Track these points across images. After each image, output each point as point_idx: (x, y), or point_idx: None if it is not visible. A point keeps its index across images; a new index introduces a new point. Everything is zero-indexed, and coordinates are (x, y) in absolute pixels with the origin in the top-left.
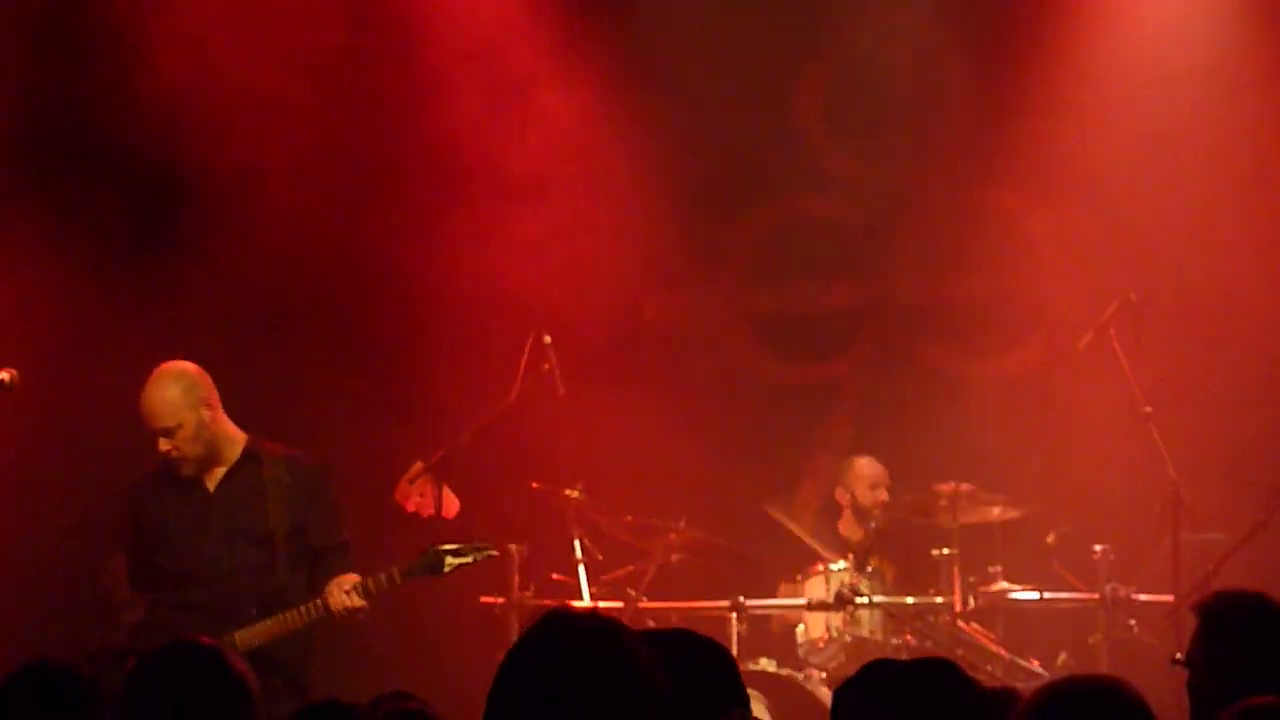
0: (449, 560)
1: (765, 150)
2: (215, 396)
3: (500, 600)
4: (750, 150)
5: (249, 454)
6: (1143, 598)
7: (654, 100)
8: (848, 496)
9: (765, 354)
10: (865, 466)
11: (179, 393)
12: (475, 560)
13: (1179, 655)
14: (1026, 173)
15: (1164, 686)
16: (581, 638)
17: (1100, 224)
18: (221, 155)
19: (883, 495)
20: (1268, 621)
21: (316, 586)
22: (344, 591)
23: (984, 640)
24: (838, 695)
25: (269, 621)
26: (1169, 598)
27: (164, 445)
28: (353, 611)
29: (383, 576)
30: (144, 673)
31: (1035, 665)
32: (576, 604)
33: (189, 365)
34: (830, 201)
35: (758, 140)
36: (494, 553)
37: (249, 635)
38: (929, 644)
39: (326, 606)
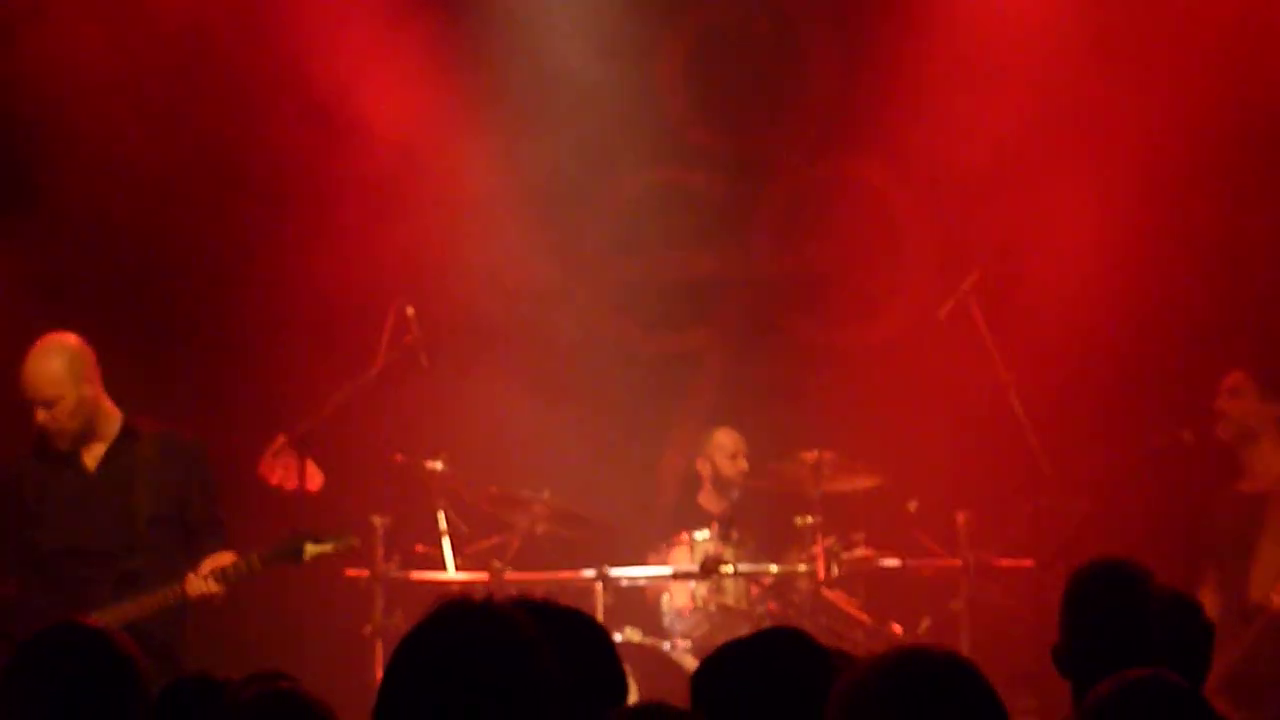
0: (309, 548)
1: (628, 121)
2: (97, 372)
3: (364, 573)
4: (613, 121)
5: (127, 431)
6: (1004, 563)
7: (515, 72)
8: (708, 467)
9: (628, 324)
10: (724, 437)
11: (62, 365)
12: (336, 549)
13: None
14: (887, 142)
15: (1025, 651)
16: (480, 626)
17: (960, 193)
18: (69, 132)
19: (742, 465)
20: (1131, 588)
21: (193, 564)
22: (203, 578)
23: (847, 607)
24: (695, 681)
25: (130, 604)
26: (1029, 563)
27: (42, 416)
28: (209, 598)
29: (242, 563)
30: (29, 655)
31: (898, 631)
32: (447, 577)
33: (73, 338)
34: (692, 172)
35: (620, 111)
36: (355, 543)
37: (115, 614)
38: (792, 612)
39: (184, 592)
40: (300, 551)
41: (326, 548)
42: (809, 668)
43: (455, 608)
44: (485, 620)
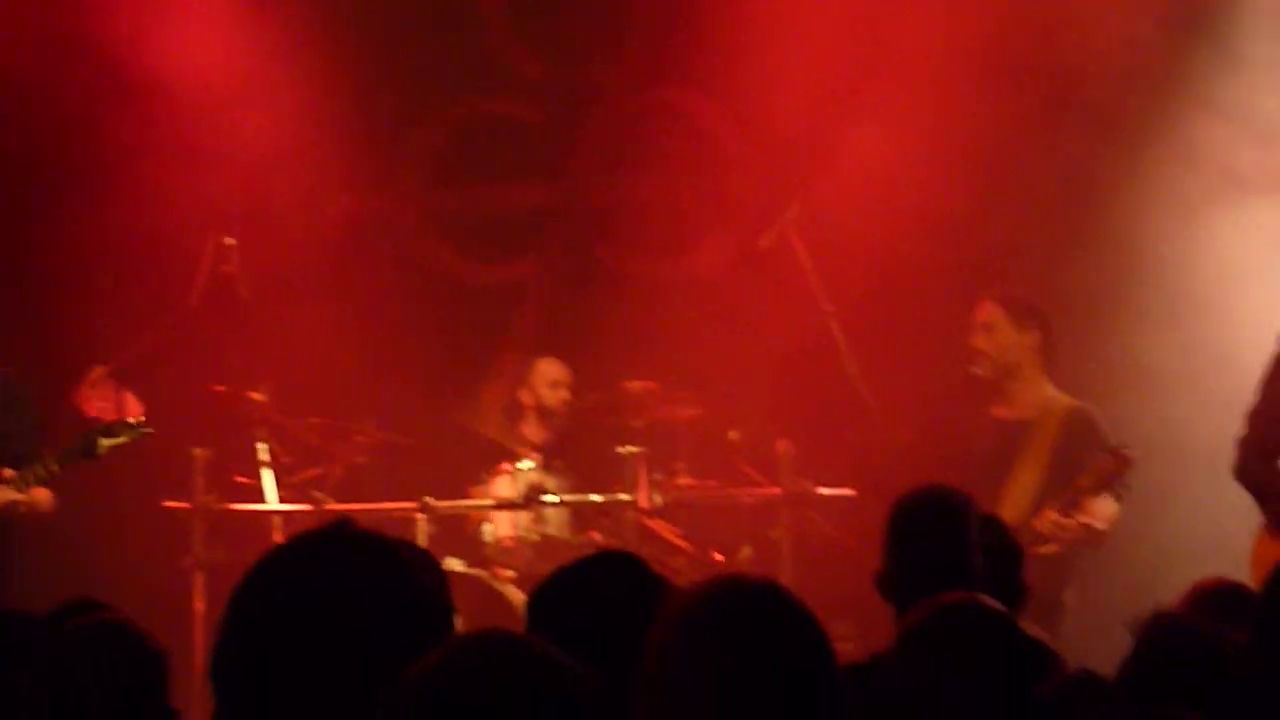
0: (102, 442)
1: (449, 50)
2: None
3: (185, 505)
4: (434, 50)
5: None
6: (824, 492)
7: (334, 1)
8: (531, 397)
9: (450, 255)
10: (547, 366)
11: None
12: (130, 439)
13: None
14: (710, 74)
15: (846, 578)
16: (352, 551)
17: (782, 125)
18: None
19: (564, 394)
20: (952, 515)
21: None
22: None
23: (669, 536)
24: (531, 604)
25: None
26: (850, 491)
27: None
28: (10, 506)
29: (39, 467)
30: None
31: (719, 560)
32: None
33: None
34: (514, 102)
35: (441, 40)
36: (149, 430)
37: None
38: (616, 541)
39: None
40: (94, 446)
41: (121, 439)
42: (644, 593)
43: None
44: (357, 546)
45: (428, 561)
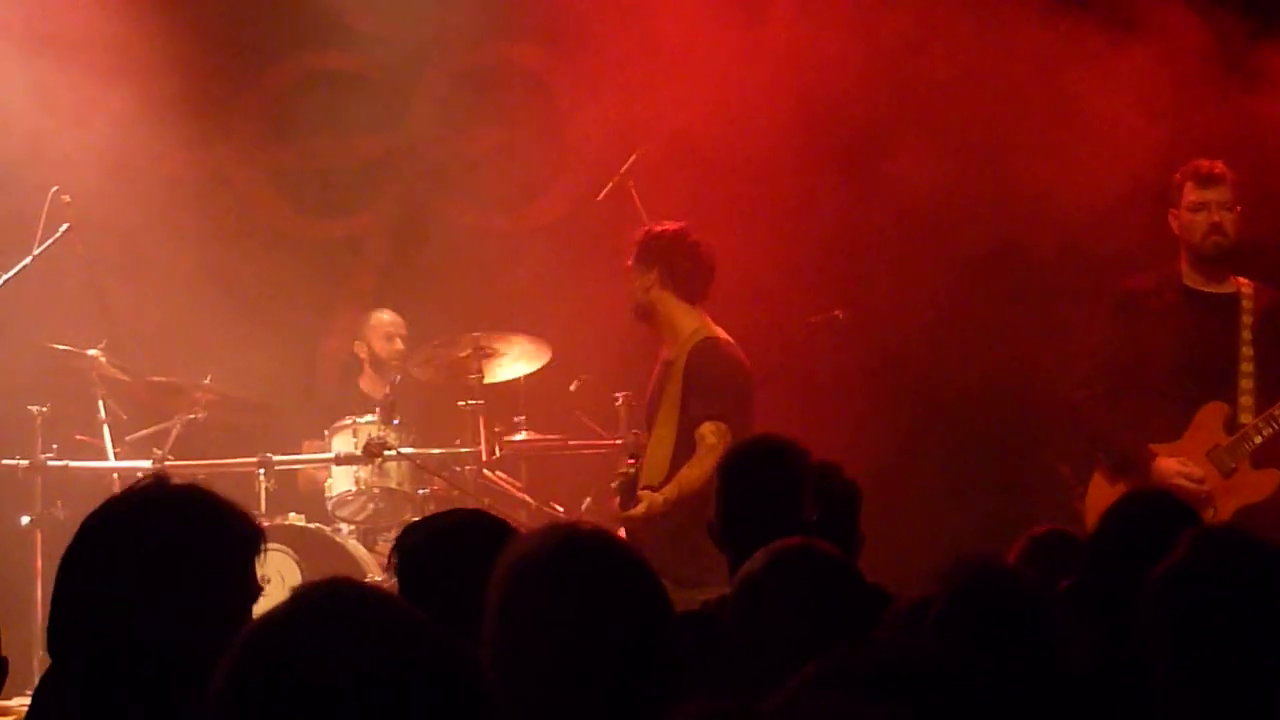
0: None
1: (284, 4)
2: None
3: (24, 462)
4: (269, 4)
5: None
6: None
7: None
8: (366, 349)
9: (288, 209)
10: (381, 318)
11: None
12: None
13: None
14: (547, 27)
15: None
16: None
17: (619, 76)
18: None
19: (399, 346)
20: (783, 462)
21: None
22: None
23: (510, 488)
24: (398, 551)
25: None
26: None
27: None
28: None
29: None
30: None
31: (560, 511)
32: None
33: None
34: (352, 56)
35: None
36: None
37: None
38: (456, 494)
39: None
40: None
41: None
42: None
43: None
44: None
45: (241, 514)
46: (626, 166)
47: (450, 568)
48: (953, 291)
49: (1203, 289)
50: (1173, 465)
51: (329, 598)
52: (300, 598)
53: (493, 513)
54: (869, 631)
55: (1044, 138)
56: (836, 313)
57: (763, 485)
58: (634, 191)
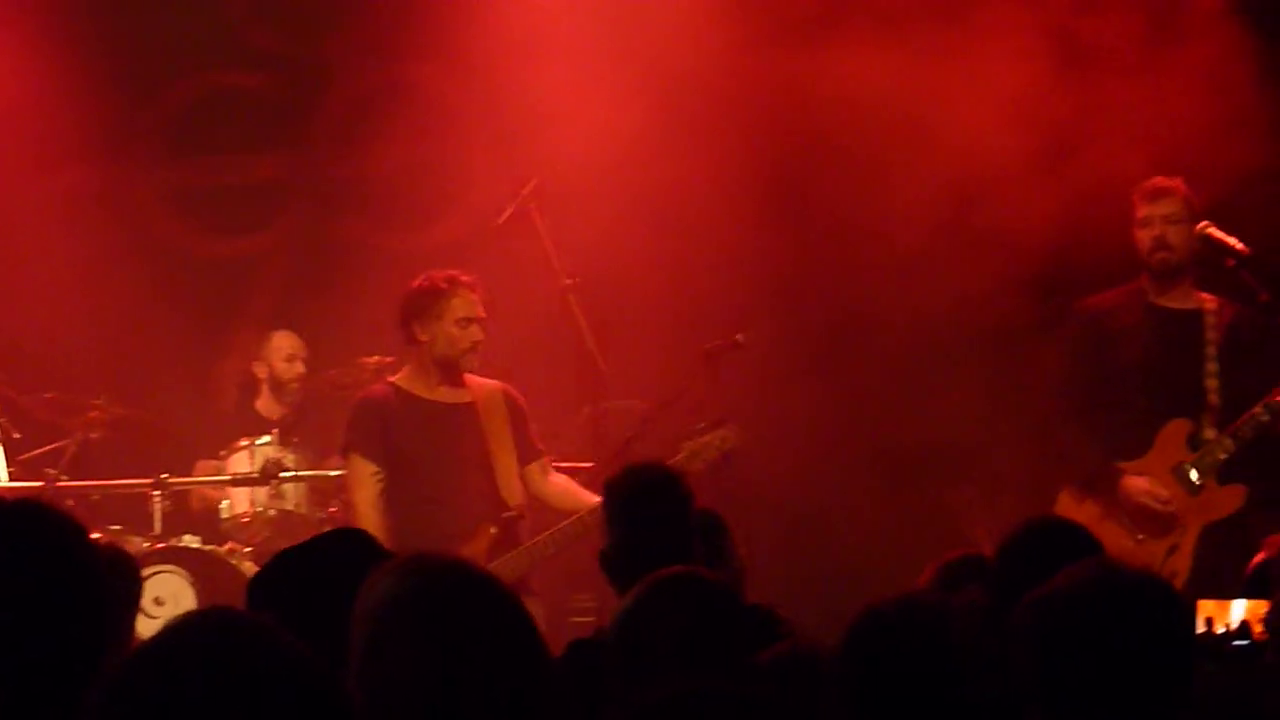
0: None
1: (184, 21)
2: None
3: None
4: (168, 21)
5: None
6: (563, 465)
7: None
8: (265, 370)
9: (187, 228)
10: (281, 340)
11: None
12: None
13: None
14: (449, 49)
15: (585, 550)
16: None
17: (520, 98)
18: None
19: (299, 369)
20: (670, 492)
21: None
22: None
23: None
24: (252, 588)
25: None
26: (589, 464)
27: None
28: None
29: None
30: None
31: None
32: None
33: None
34: (251, 74)
35: (177, 12)
36: None
37: None
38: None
39: None
40: None
41: None
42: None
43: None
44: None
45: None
46: (528, 189)
47: (314, 589)
48: (851, 315)
49: (1166, 305)
50: (1140, 484)
51: (204, 628)
52: (176, 629)
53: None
54: (753, 656)
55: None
56: (737, 338)
57: (651, 514)
58: (535, 215)
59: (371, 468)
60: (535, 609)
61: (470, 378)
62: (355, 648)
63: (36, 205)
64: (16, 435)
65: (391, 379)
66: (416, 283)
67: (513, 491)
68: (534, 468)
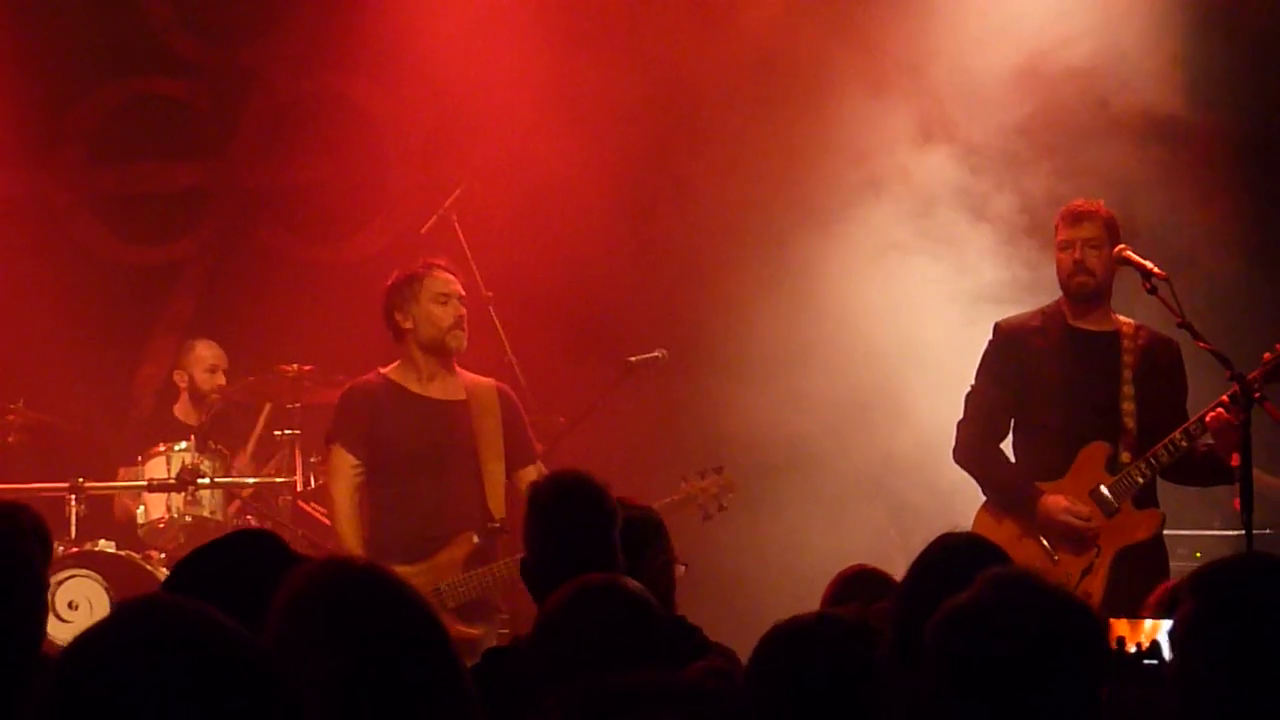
0: None
1: (107, 28)
2: None
3: None
4: (91, 27)
5: None
6: None
7: None
8: (186, 379)
9: (107, 234)
10: (204, 350)
11: None
12: None
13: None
14: (374, 59)
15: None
16: None
17: (442, 110)
18: None
19: (220, 379)
20: (593, 501)
21: None
22: None
23: (325, 519)
24: (164, 588)
25: None
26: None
27: None
28: None
29: None
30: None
31: None
32: None
33: None
34: (175, 81)
35: (99, 17)
36: None
37: None
38: (270, 524)
39: None
40: None
41: None
42: (279, 568)
43: None
44: None
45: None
46: (450, 200)
47: (220, 593)
48: (778, 327)
49: (1084, 327)
50: (1060, 502)
51: (146, 613)
52: (119, 614)
53: (296, 543)
54: (669, 665)
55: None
56: (657, 353)
57: (575, 523)
58: (457, 225)
59: (351, 460)
60: (497, 629)
61: (464, 373)
62: (265, 644)
63: None
64: None
65: (383, 370)
66: (390, 277)
67: (499, 501)
68: (529, 470)
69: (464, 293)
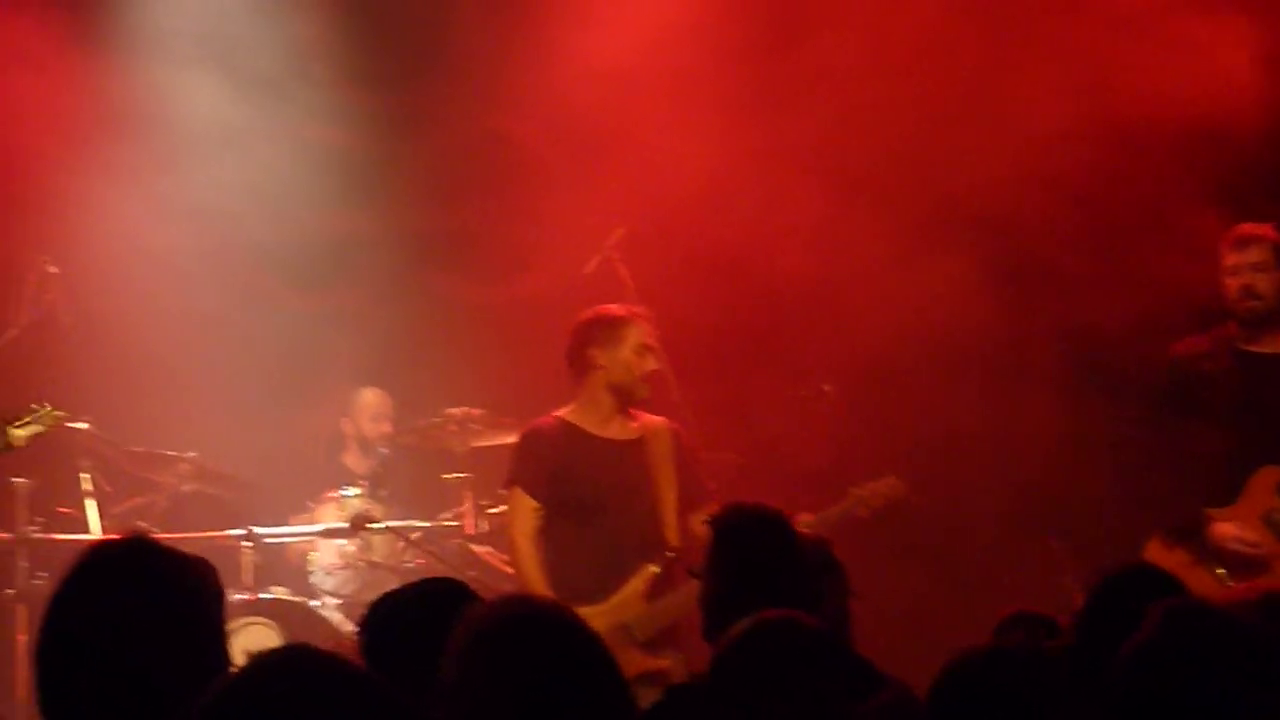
0: (15, 433)
1: (274, 79)
2: None
3: (7, 536)
4: (259, 79)
5: None
6: None
7: (154, 23)
8: (352, 427)
9: (273, 283)
10: (369, 398)
11: None
12: (47, 426)
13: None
14: (535, 101)
15: None
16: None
17: (607, 152)
18: None
19: (385, 427)
20: (772, 531)
21: None
22: None
23: (495, 561)
24: (362, 625)
25: None
26: None
27: None
28: None
29: None
30: None
31: None
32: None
33: None
34: (339, 129)
35: (266, 68)
36: (61, 414)
37: None
38: (441, 567)
39: None
40: (7, 438)
41: (36, 427)
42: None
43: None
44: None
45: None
46: (613, 240)
47: (411, 636)
48: (943, 362)
49: (1254, 351)
50: (1229, 530)
51: (285, 664)
52: (258, 665)
53: (469, 584)
54: (850, 706)
55: None
56: (825, 387)
57: (760, 556)
58: (621, 265)
59: (532, 503)
60: (673, 661)
61: (639, 413)
62: (442, 688)
63: (129, 263)
64: (108, 489)
65: (559, 413)
66: (591, 313)
67: (674, 531)
68: (702, 513)
69: (657, 347)
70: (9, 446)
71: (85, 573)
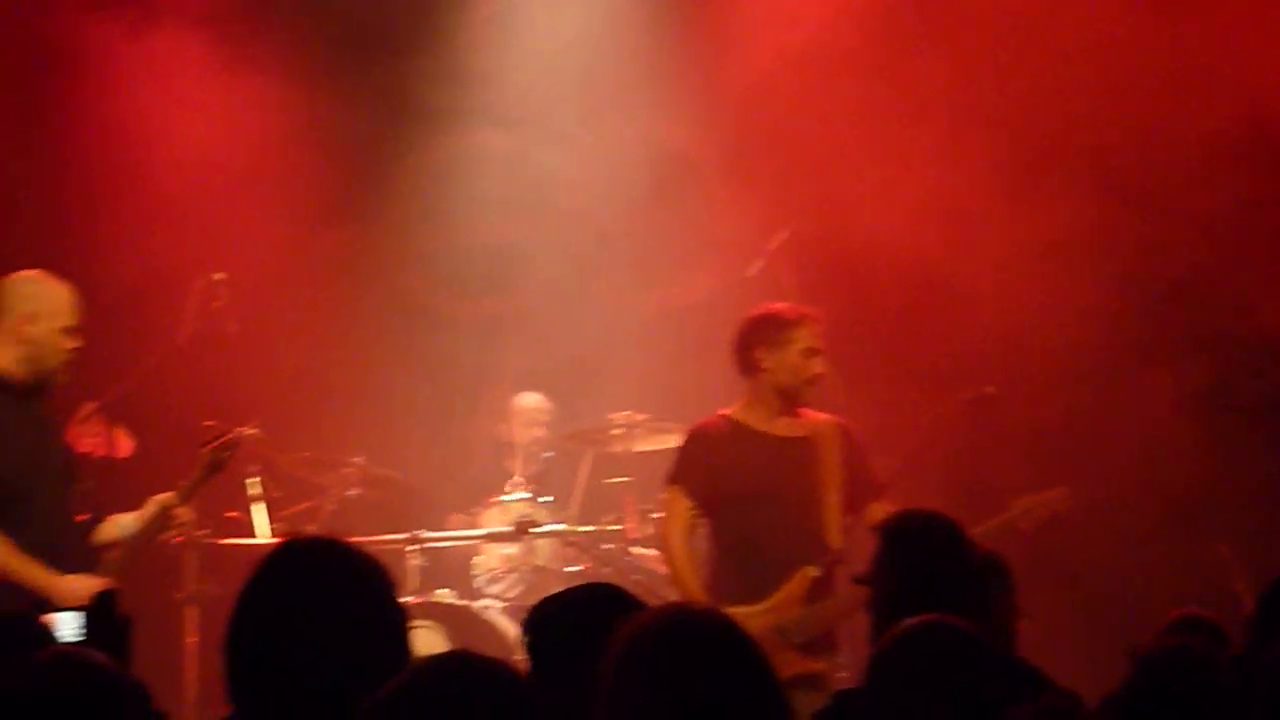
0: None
1: (433, 85)
2: None
3: (177, 539)
4: (418, 86)
5: None
6: None
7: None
8: (510, 432)
9: (437, 289)
10: (524, 402)
11: None
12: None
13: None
14: (693, 105)
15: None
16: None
17: (769, 153)
18: None
19: (539, 432)
20: (943, 538)
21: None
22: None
23: (658, 566)
24: (527, 626)
25: None
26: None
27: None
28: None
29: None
30: None
31: None
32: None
33: None
34: (499, 138)
35: (425, 73)
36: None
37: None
38: (606, 571)
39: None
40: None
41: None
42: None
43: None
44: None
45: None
46: (776, 242)
47: (574, 641)
48: (1111, 368)
49: None
50: None
51: (447, 670)
52: (421, 670)
53: (631, 589)
54: (1004, 708)
55: None
56: (988, 389)
57: (932, 561)
58: (785, 268)
59: (688, 502)
60: (829, 664)
61: (806, 411)
62: (599, 696)
63: (295, 269)
64: (276, 493)
65: (725, 411)
66: (760, 311)
67: (836, 533)
68: (875, 508)
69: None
70: (221, 467)
71: (277, 566)
